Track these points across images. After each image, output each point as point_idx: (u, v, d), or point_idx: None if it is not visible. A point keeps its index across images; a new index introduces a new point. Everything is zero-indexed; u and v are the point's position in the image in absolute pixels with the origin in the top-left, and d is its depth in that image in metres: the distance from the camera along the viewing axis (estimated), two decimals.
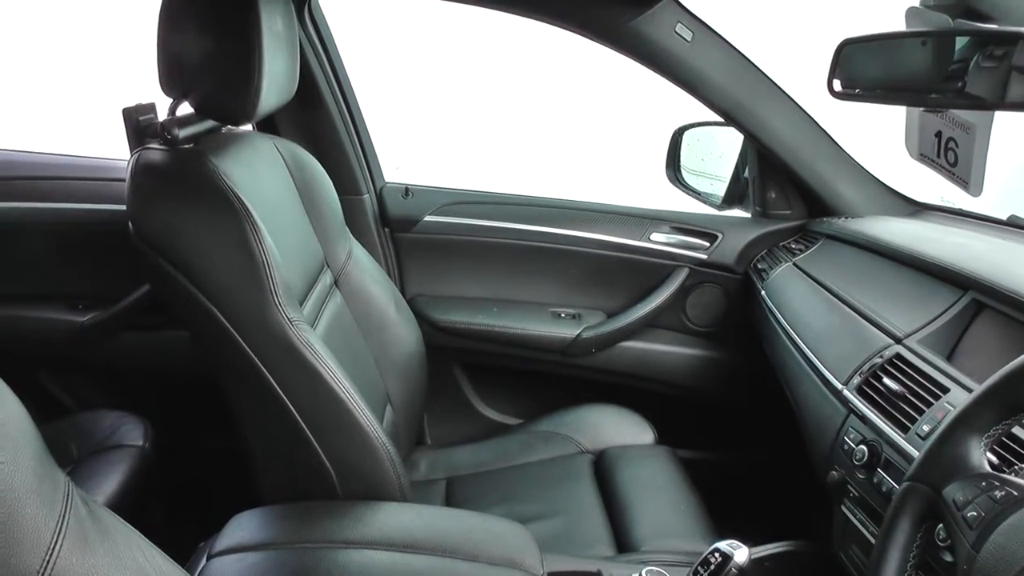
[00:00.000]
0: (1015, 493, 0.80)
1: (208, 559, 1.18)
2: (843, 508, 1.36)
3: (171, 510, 1.85)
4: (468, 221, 2.05)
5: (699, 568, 1.14)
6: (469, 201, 2.08)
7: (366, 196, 2.02)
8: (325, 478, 1.32)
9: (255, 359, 1.26)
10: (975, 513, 0.82)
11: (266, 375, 1.27)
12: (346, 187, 1.93)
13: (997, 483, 0.83)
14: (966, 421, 0.88)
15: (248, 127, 1.54)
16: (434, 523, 1.33)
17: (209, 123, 1.41)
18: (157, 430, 1.73)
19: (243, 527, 1.25)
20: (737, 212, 2.08)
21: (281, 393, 1.27)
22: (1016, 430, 1.00)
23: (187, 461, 1.88)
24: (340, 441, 1.31)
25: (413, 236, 2.05)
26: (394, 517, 1.31)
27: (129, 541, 0.78)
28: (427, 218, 2.05)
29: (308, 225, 1.56)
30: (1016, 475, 0.86)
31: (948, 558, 1.00)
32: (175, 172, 1.31)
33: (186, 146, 1.35)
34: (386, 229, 2.06)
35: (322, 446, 1.30)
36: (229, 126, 1.48)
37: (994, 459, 0.97)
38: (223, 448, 1.52)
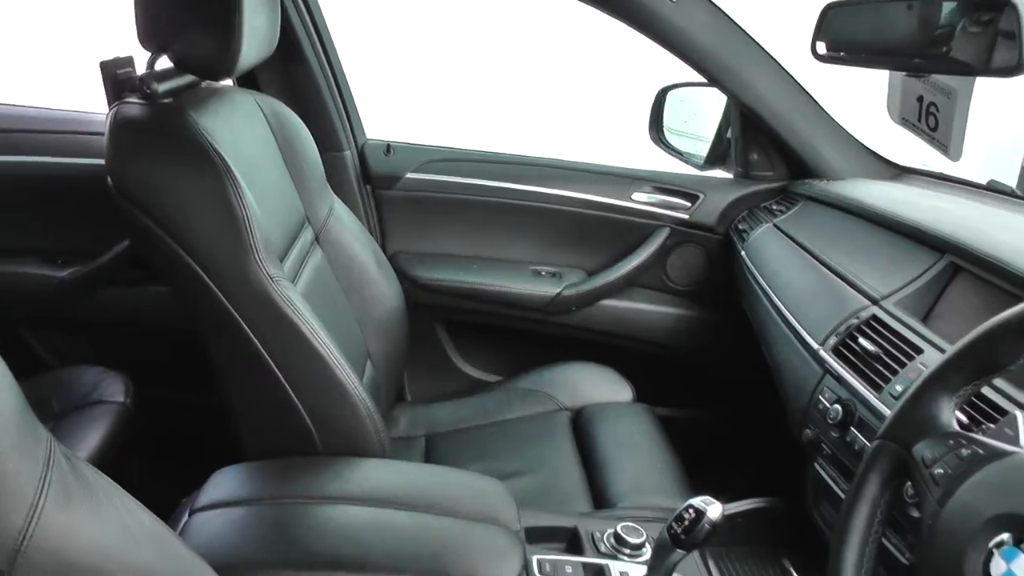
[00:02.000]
0: (981, 451, 0.82)
1: (190, 515, 1.19)
2: (816, 466, 1.39)
3: (152, 466, 1.86)
4: (450, 179, 2.05)
5: (673, 524, 1.15)
6: (451, 159, 2.07)
7: (347, 153, 2.01)
8: (305, 434, 1.33)
9: (235, 315, 1.26)
10: (942, 471, 0.84)
11: (246, 331, 1.27)
12: (327, 143, 1.92)
13: (964, 441, 0.84)
14: (937, 381, 0.90)
15: (228, 82, 1.52)
16: (413, 479, 1.34)
17: (188, 77, 1.39)
18: (138, 386, 1.73)
19: (224, 483, 1.26)
20: (719, 173, 2.09)
21: (261, 349, 1.28)
22: (985, 390, 1.02)
23: (168, 417, 1.88)
24: (320, 397, 1.32)
25: (394, 193, 2.05)
26: (374, 473, 1.32)
27: (112, 497, 0.79)
28: (409, 175, 2.04)
29: (289, 181, 1.55)
30: (983, 434, 0.88)
31: (916, 514, 1.03)
32: (154, 127, 1.30)
33: (165, 100, 1.33)
34: (367, 186, 2.05)
35: (302, 402, 1.31)
36: (209, 81, 1.47)
37: (963, 418, 0.98)
38: (204, 404, 1.52)
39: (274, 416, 1.33)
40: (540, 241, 2.09)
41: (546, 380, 1.91)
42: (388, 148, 2.05)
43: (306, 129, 1.66)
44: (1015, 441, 0.84)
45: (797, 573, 1.43)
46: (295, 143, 1.59)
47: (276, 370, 1.29)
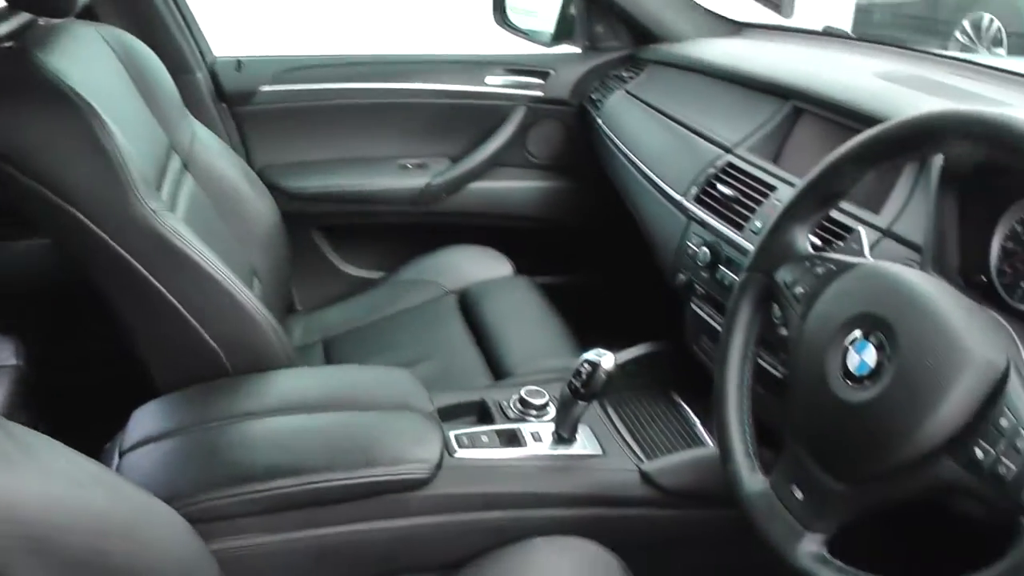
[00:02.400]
0: (833, 267, 0.94)
1: (121, 456, 1.18)
2: (692, 306, 1.50)
3: (64, 423, 1.80)
4: (306, 86, 2.02)
5: (572, 379, 1.22)
6: (304, 66, 2.04)
7: (199, 74, 1.94)
8: (214, 359, 1.33)
9: (126, 255, 1.24)
10: (802, 289, 0.95)
11: (139, 269, 1.25)
12: (177, 67, 1.83)
13: (819, 261, 0.96)
14: (791, 213, 1.01)
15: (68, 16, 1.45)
16: (326, 382, 1.37)
17: (25, 16, 1.32)
18: (31, 345, 1.66)
19: (147, 420, 1.25)
20: (567, 48, 2.14)
21: (157, 284, 1.26)
22: (833, 214, 1.14)
23: (70, 371, 1.82)
24: (222, 320, 1.32)
25: (252, 108, 2.01)
26: (288, 382, 1.34)
27: (50, 450, 0.78)
28: (264, 88, 2.00)
29: (148, 112, 1.50)
30: (834, 252, 1.00)
31: (783, 332, 1.16)
32: (3, 76, 1.22)
33: (6, 45, 1.26)
34: (224, 105, 2.00)
35: (205, 328, 1.30)
36: (47, 17, 1.39)
37: (817, 241, 1.10)
38: (104, 351, 1.50)
39: (180, 347, 1.32)
40: (403, 135, 2.11)
41: (428, 268, 1.95)
42: (239, 64, 2.00)
43: (155, 56, 1.59)
44: (860, 253, 0.96)
45: (686, 404, 1.55)
46: (146, 72, 1.54)
47: (175, 301, 1.27)
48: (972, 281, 1.02)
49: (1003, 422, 0.73)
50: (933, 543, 0.98)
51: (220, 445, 1.19)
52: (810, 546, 0.86)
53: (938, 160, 1.03)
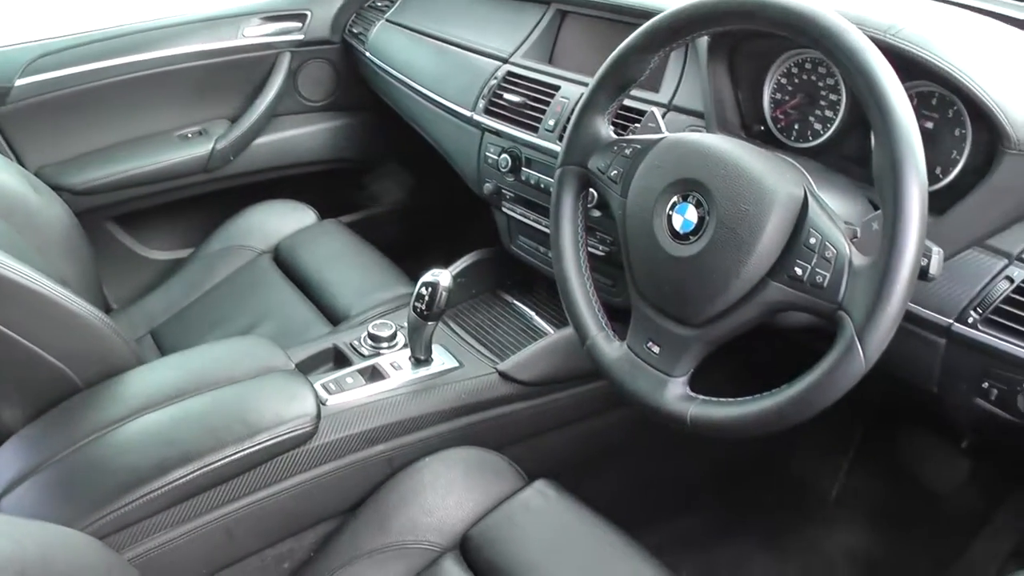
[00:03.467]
0: (639, 146, 1.04)
1: None
2: (504, 210, 1.59)
3: None
4: (63, 72, 1.88)
5: (415, 304, 1.29)
6: (56, 50, 1.88)
7: None
8: (62, 378, 1.26)
9: None
10: (616, 171, 1.06)
11: None
12: None
13: (625, 144, 1.06)
14: (590, 106, 1.10)
15: None
16: (183, 367, 1.33)
17: None
18: None
19: (11, 459, 1.18)
20: None
21: None
22: (626, 101, 1.24)
23: None
24: (60, 336, 1.25)
25: (11, 107, 1.85)
26: (146, 379, 1.30)
27: None
28: (18, 82, 1.84)
29: None
30: (634, 134, 1.10)
31: (596, 214, 1.27)
32: None
33: None
34: None
35: (44, 348, 1.23)
36: None
37: (616, 128, 1.21)
38: None
39: (24, 377, 1.25)
40: (176, 105, 2.04)
41: (234, 233, 1.92)
42: None
43: None
44: (658, 130, 1.07)
45: (518, 302, 1.65)
46: None
47: (6, 330, 1.19)
48: (752, 132, 1.17)
49: (811, 240, 0.87)
50: (777, 360, 1.12)
51: (101, 458, 1.15)
52: (675, 390, 0.99)
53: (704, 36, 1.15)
